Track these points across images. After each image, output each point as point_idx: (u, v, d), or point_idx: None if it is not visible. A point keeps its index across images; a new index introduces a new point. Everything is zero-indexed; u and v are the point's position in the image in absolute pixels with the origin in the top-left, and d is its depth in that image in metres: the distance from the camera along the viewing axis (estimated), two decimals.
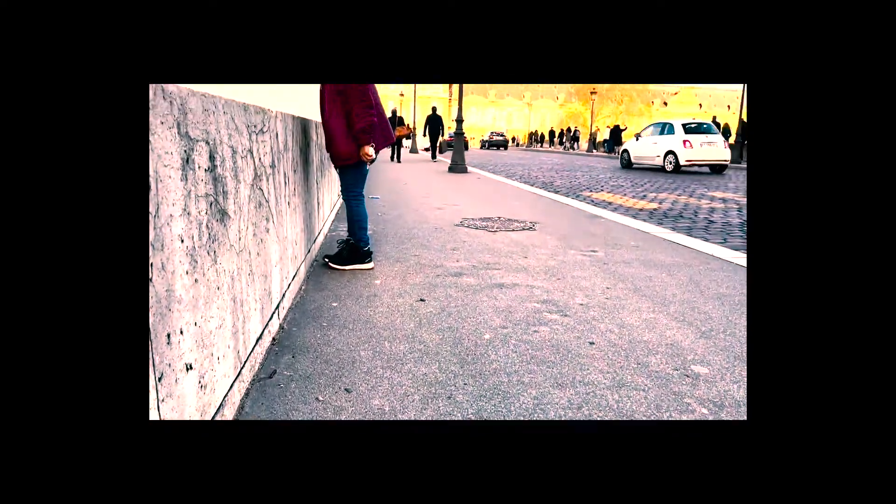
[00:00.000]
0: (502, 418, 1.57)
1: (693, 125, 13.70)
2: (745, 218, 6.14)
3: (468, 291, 2.78)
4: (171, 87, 1.05)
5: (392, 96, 65.22)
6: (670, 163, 13.47)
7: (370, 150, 2.89)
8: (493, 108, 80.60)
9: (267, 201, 1.94)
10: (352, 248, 3.13)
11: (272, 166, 2.04)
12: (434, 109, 16.64)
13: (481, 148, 42.73)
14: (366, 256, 3.15)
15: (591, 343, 2.12)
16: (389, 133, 3.11)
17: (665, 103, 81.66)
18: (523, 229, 4.69)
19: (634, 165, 15.38)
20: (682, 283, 3.02)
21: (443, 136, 17.49)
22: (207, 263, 1.26)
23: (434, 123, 16.08)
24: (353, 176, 3.05)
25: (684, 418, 1.59)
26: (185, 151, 1.12)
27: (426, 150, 20.89)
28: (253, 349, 1.72)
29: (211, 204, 1.29)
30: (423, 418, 1.56)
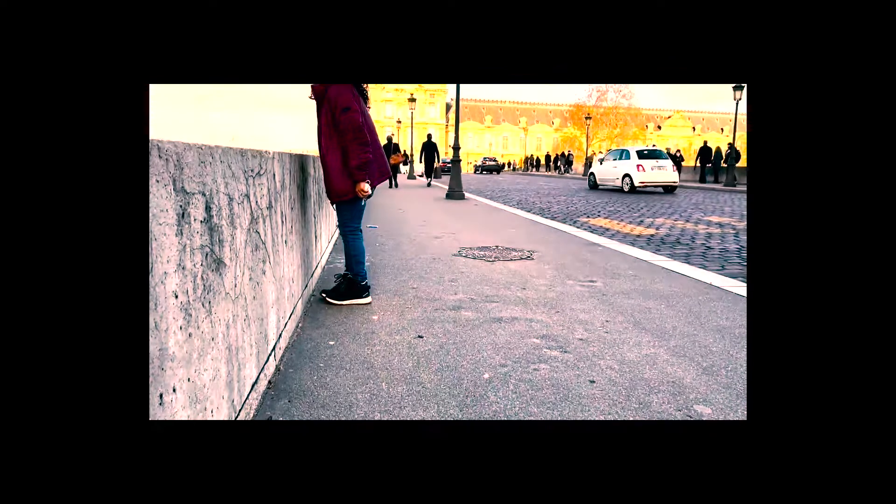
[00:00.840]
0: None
1: (646, 151, 15.70)
2: (741, 244, 6.16)
3: (467, 327, 2.75)
4: (167, 144, 1.05)
5: (389, 123, 66.06)
6: (627, 184, 15.34)
7: (366, 186, 2.90)
8: (490, 133, 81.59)
9: (264, 244, 1.93)
10: (349, 282, 3.12)
11: (269, 207, 2.04)
12: (429, 136, 17.18)
13: (475, 172, 43.79)
14: (363, 291, 3.13)
15: (592, 382, 2.09)
16: (386, 168, 3.13)
17: (659, 127, 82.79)
18: (521, 258, 4.69)
19: (600, 186, 17.45)
20: (682, 315, 3.00)
21: (438, 161, 18.08)
22: (202, 316, 1.24)
23: (429, 150, 16.70)
24: (349, 211, 3.06)
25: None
26: (181, 206, 1.12)
27: (422, 175, 21.27)
28: (248, 396, 1.69)
29: (206, 255, 1.28)
30: None
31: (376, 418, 1.78)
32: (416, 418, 1.78)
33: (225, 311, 1.43)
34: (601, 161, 17.36)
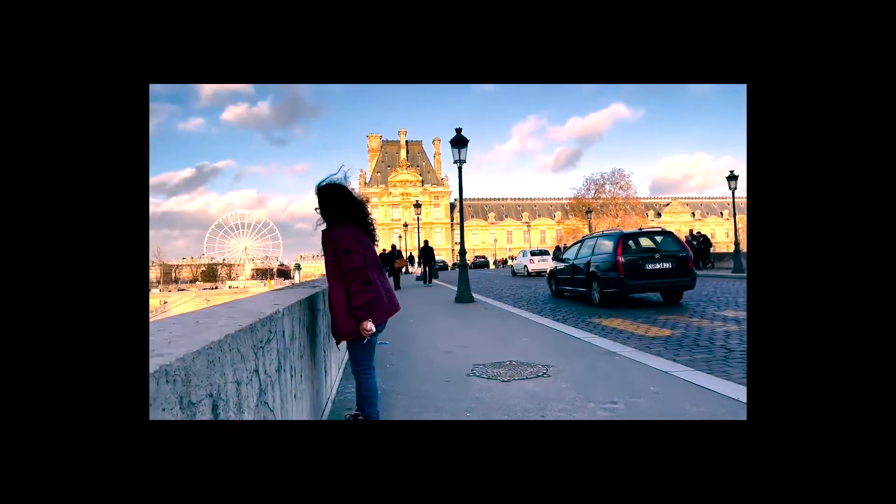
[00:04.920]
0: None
1: (536, 251, 26.63)
2: None
3: None
4: (175, 364, 1.04)
5: (397, 225, 68.21)
6: (526, 271, 24.39)
7: (369, 325, 2.85)
8: (494, 228, 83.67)
9: (272, 410, 1.87)
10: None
11: (279, 370, 2.00)
12: (426, 243, 20.53)
13: (470, 267, 48.86)
14: None
15: None
16: (394, 303, 3.12)
17: (659, 214, 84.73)
18: (537, 376, 4.54)
19: (516, 274, 25.86)
20: None
21: (434, 263, 21.82)
22: None
23: (426, 254, 19.81)
24: (360, 349, 3.01)
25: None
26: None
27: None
28: None
29: None
30: None
31: None
32: None
33: None
34: (514, 258, 28.05)
